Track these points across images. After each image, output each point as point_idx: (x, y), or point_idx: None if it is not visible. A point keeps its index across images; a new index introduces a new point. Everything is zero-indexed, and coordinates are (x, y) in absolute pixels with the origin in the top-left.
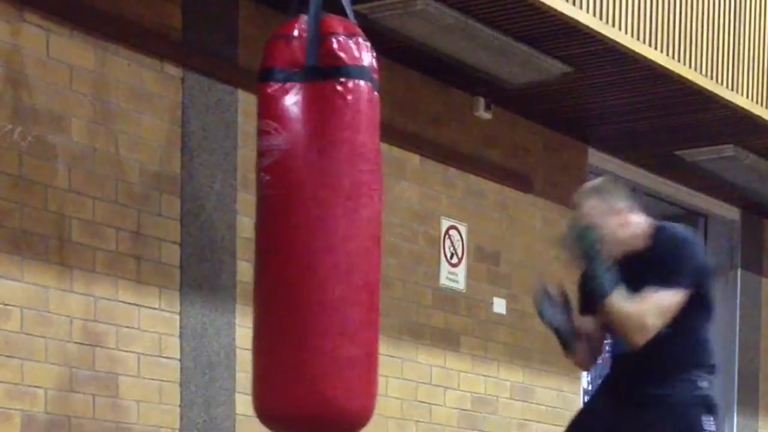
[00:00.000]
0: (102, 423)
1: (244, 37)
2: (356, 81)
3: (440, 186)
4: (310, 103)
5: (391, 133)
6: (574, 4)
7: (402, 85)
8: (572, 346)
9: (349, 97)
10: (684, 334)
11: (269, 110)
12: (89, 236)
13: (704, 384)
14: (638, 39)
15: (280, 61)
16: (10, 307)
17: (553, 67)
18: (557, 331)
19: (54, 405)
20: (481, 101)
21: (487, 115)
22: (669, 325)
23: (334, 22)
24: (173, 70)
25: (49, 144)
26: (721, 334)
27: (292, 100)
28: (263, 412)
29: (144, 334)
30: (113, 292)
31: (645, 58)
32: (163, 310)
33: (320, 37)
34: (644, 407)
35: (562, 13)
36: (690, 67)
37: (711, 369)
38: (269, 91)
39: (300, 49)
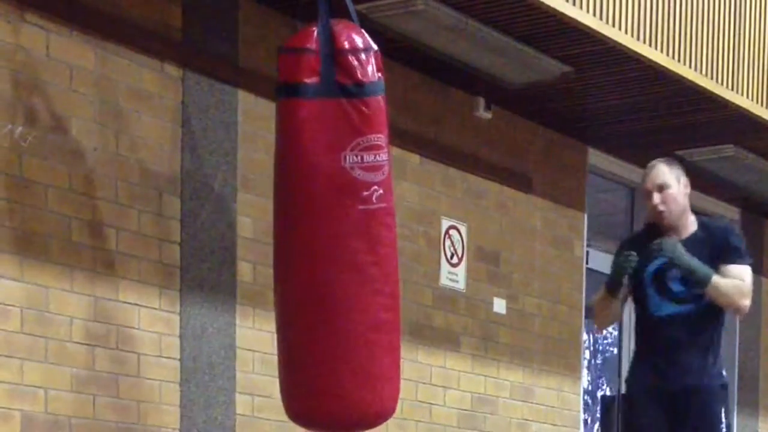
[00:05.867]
0: (102, 423)
1: (244, 37)
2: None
3: (440, 186)
4: (383, 118)
5: (391, 133)
6: (574, 4)
7: (402, 85)
8: (617, 296)
9: (385, 108)
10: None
11: (380, 126)
12: (89, 236)
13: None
14: (638, 39)
15: (371, 76)
16: (10, 307)
17: (553, 67)
18: (619, 283)
19: (54, 405)
20: (481, 101)
21: (487, 115)
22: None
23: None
24: (173, 70)
25: (49, 144)
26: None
27: (381, 112)
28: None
29: (144, 334)
30: (113, 292)
31: (645, 58)
32: (163, 310)
33: (373, 52)
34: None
35: (562, 13)
36: (690, 67)
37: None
38: (380, 105)
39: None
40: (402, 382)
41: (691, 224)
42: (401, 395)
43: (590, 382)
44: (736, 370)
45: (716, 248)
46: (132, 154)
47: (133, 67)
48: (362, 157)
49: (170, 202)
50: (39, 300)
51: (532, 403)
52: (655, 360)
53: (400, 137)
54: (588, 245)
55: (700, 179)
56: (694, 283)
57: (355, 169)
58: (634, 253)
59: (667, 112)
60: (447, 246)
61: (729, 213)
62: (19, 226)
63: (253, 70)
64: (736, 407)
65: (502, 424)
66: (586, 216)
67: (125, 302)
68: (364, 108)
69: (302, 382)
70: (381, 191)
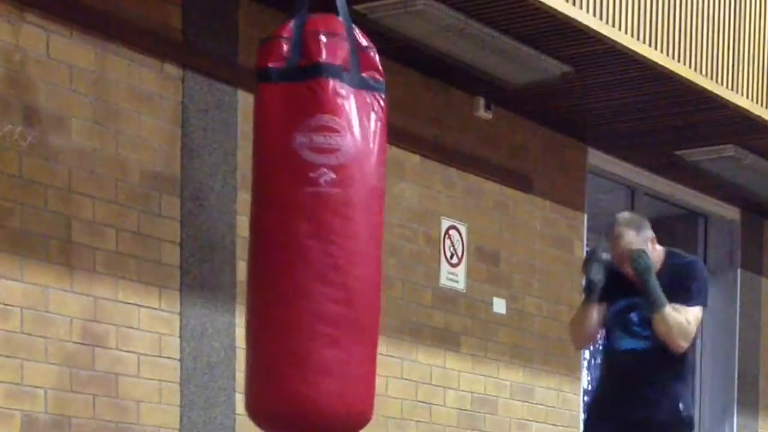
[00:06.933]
0: (102, 423)
1: (244, 37)
2: (385, 98)
3: (440, 186)
4: (360, 109)
5: (391, 133)
6: (574, 4)
7: (402, 85)
8: (593, 299)
9: (384, 116)
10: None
11: (335, 108)
12: (89, 236)
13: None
14: (638, 39)
15: (338, 60)
16: (10, 307)
17: (553, 67)
18: (592, 286)
19: (54, 405)
20: (481, 101)
21: (487, 115)
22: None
23: (363, 35)
24: (173, 70)
25: (49, 144)
26: (721, 334)
27: (352, 103)
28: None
29: (144, 334)
30: (113, 292)
31: (645, 58)
32: (163, 310)
33: (358, 47)
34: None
35: (562, 13)
36: (690, 67)
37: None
38: (337, 89)
39: (349, 55)
40: (402, 381)
41: (658, 263)
42: (401, 395)
43: (590, 382)
44: (736, 370)
45: (675, 284)
46: (132, 154)
47: (133, 67)
48: (311, 138)
49: (170, 202)
50: (39, 300)
51: (532, 403)
52: (615, 391)
53: (400, 137)
54: (588, 245)
55: (700, 179)
56: (647, 305)
57: (304, 150)
58: (601, 265)
59: (667, 112)
60: (447, 246)
61: (729, 213)
62: (19, 226)
63: (253, 70)
64: (736, 407)
65: (502, 424)
66: (586, 216)
67: (125, 302)
68: (317, 88)
69: (252, 372)
70: (333, 176)
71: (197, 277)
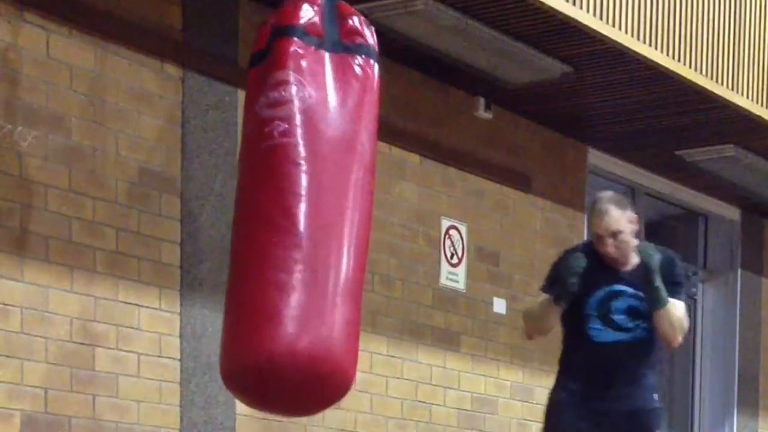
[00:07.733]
0: (102, 423)
1: (244, 37)
2: (373, 62)
3: (440, 186)
4: (334, 67)
5: (391, 133)
6: (574, 4)
7: (402, 85)
8: (564, 305)
9: (369, 76)
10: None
11: (292, 63)
12: (89, 236)
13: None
14: (638, 39)
15: (300, 21)
16: (10, 307)
17: (553, 67)
18: (568, 295)
19: (54, 405)
20: (481, 101)
21: (487, 115)
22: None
23: (347, 6)
24: (173, 70)
25: (49, 144)
26: (721, 334)
27: (320, 61)
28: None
29: (144, 334)
30: (113, 292)
31: (645, 58)
32: (163, 310)
33: (339, 16)
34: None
35: (562, 13)
36: (690, 67)
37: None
38: (295, 46)
39: (320, 20)
40: (402, 381)
41: (634, 254)
42: (401, 395)
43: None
44: (736, 370)
45: (663, 278)
46: (132, 154)
47: (133, 67)
48: (269, 96)
49: (170, 202)
50: (39, 300)
51: (532, 403)
52: (596, 384)
53: (400, 137)
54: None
55: (700, 179)
56: (652, 301)
57: (263, 109)
58: (582, 254)
59: (667, 112)
60: (447, 246)
61: (729, 213)
62: (19, 226)
63: None
64: (736, 407)
65: (502, 424)
66: (586, 216)
67: (125, 302)
68: (275, 49)
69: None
70: (285, 126)
71: (197, 277)
